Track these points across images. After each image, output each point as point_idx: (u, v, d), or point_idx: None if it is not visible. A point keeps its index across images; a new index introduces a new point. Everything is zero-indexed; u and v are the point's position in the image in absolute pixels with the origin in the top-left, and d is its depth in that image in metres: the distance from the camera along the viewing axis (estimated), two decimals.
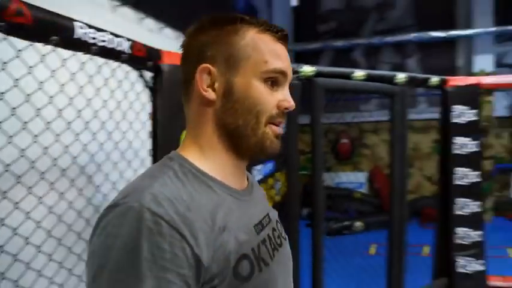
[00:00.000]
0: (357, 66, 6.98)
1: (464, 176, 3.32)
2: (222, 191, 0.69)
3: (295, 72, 2.37)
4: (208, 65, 0.69)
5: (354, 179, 7.05)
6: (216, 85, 0.70)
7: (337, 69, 2.80)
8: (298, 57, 7.38)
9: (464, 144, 3.27)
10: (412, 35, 6.71)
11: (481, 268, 3.55)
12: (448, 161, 3.35)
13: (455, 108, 3.28)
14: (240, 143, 0.72)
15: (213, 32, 0.70)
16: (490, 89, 4.75)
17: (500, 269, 4.07)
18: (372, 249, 4.72)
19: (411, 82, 3.08)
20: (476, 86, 3.38)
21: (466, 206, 3.37)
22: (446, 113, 3.31)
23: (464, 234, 3.44)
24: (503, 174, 6.94)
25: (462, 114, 3.27)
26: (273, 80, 0.71)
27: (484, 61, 6.66)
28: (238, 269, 0.63)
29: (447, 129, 3.32)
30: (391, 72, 3.21)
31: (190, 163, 0.70)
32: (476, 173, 3.32)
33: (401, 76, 3.00)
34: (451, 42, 7.03)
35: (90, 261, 0.58)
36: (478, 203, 3.39)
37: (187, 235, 0.57)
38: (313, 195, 2.68)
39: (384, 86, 2.99)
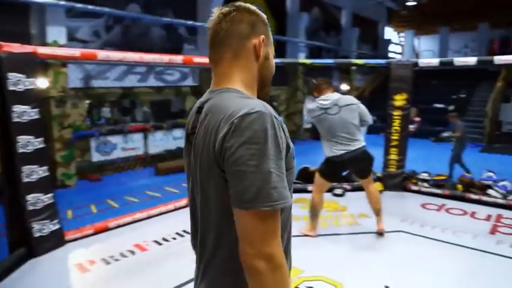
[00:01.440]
0: None
1: (28, 143, 3.33)
2: None
3: None
4: (263, 36, 1.07)
5: None
6: (262, 50, 1.07)
7: None
8: None
9: (24, 112, 3.25)
10: None
11: (56, 227, 3.78)
12: (9, 130, 3.25)
13: (12, 75, 3.19)
14: (264, 86, 1.12)
15: (256, 16, 1.08)
16: (49, 59, 4.86)
17: (83, 223, 4.50)
18: None
19: None
20: (32, 55, 3.40)
21: (33, 173, 3.43)
22: (1, 80, 3.15)
23: (36, 200, 3.51)
24: (83, 140, 7.58)
25: (19, 82, 3.22)
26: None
27: (57, 33, 6.82)
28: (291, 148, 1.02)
29: (4, 97, 3.18)
30: None
31: (246, 94, 1.05)
32: (40, 139, 3.42)
33: None
34: (26, 9, 6.70)
35: (247, 145, 0.87)
36: (45, 167, 3.53)
37: (286, 133, 0.99)
38: None
39: None
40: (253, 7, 1.09)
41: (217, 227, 0.99)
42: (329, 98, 3.83)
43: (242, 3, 1.07)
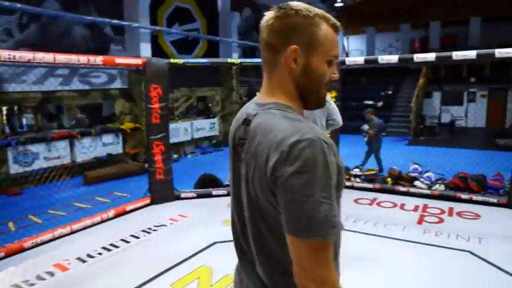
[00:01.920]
0: None
1: None
2: None
3: None
4: (296, 46, 0.99)
5: None
6: (298, 60, 1.00)
7: None
8: None
9: None
10: None
11: None
12: None
13: None
14: (308, 97, 1.06)
15: (298, 19, 0.99)
16: None
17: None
18: None
19: None
20: None
21: None
22: None
23: None
24: None
25: None
26: (330, 61, 1.04)
27: None
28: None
29: None
30: None
31: (293, 109, 1.04)
32: None
33: None
34: None
35: (298, 174, 0.86)
36: None
37: (335, 152, 0.95)
38: None
39: None
40: (301, 6, 1.00)
41: (267, 245, 1.01)
42: None
43: (290, 3, 1.01)
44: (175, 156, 10.45)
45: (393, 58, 5.11)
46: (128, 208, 4.92)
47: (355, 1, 18.60)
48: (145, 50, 9.61)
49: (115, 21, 8.68)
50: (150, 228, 4.42)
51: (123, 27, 9.40)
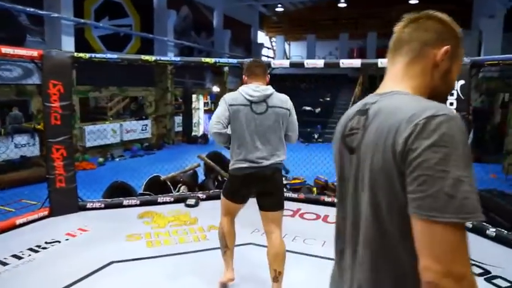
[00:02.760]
0: None
1: None
2: None
3: None
4: (448, 48, 0.98)
5: None
6: (444, 62, 0.99)
7: None
8: None
9: None
10: None
11: None
12: None
13: None
14: (434, 99, 0.94)
15: (446, 26, 1.00)
16: None
17: None
18: None
19: None
20: None
21: None
22: None
23: None
24: None
25: None
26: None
27: None
28: None
29: None
30: None
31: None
32: None
33: None
34: None
35: (435, 148, 0.78)
36: None
37: None
38: None
39: None
40: (446, 17, 1.03)
41: (386, 236, 0.89)
42: (259, 90, 2.65)
43: (435, 12, 1.02)
44: (100, 159, 9.72)
45: (319, 62, 4.92)
46: (19, 221, 4.26)
47: (296, 7, 18.76)
48: (68, 43, 8.86)
49: (30, 10, 7.85)
50: (39, 246, 3.81)
51: (43, 17, 8.58)
